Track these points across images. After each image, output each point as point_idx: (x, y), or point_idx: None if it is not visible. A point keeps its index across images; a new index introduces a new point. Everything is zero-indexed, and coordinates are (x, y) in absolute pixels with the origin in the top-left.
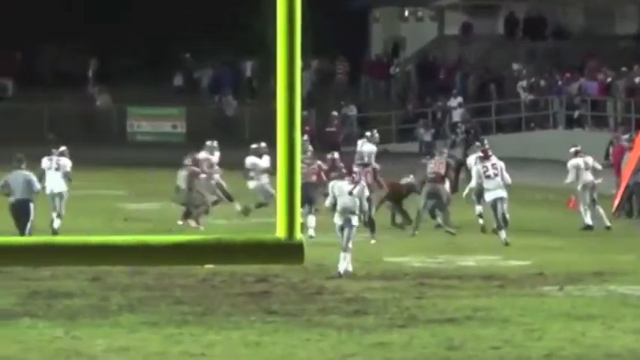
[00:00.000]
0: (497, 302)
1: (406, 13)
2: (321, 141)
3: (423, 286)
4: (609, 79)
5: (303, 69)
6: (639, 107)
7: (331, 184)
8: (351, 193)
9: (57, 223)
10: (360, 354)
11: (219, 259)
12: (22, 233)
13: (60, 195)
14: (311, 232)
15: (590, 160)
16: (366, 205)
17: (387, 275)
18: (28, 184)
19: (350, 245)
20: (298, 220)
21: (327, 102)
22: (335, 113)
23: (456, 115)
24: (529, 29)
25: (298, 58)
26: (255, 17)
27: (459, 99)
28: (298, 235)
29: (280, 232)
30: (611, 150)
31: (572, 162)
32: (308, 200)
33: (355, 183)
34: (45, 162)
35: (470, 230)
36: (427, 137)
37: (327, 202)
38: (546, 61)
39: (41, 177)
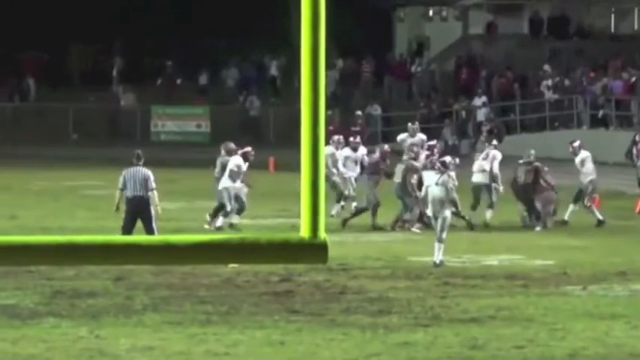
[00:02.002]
0: (521, 301)
1: (430, 13)
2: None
3: (447, 285)
4: (634, 79)
5: (328, 68)
6: None
7: (422, 174)
8: (437, 183)
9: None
10: (384, 353)
11: (243, 258)
12: (148, 231)
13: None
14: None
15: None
16: (454, 195)
17: (411, 275)
18: (146, 181)
19: (444, 236)
20: (322, 219)
21: (352, 101)
22: (359, 113)
23: (481, 115)
24: (553, 28)
25: (322, 57)
26: (281, 16)
27: (484, 98)
28: (322, 234)
29: (304, 232)
30: (634, 149)
31: (586, 154)
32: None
33: (441, 172)
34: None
35: (493, 229)
36: (452, 140)
37: (422, 193)
38: (570, 60)
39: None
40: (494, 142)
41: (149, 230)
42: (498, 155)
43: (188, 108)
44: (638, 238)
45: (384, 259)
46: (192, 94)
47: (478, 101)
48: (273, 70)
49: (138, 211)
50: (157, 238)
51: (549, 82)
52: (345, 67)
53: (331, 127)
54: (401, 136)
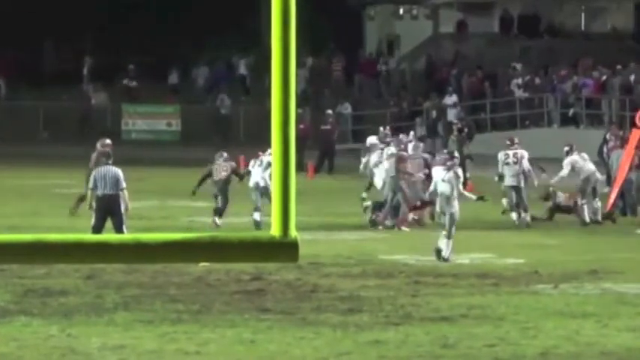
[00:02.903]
0: (492, 300)
1: (401, 11)
2: (316, 139)
3: (418, 284)
4: (604, 77)
5: (298, 66)
6: (634, 105)
7: (433, 170)
8: (443, 180)
9: (258, 216)
10: (355, 352)
11: (214, 256)
12: (118, 230)
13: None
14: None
15: (585, 155)
16: (461, 190)
17: (382, 273)
18: (116, 180)
19: (453, 231)
20: (293, 217)
21: (322, 100)
22: (330, 111)
23: (451, 114)
24: (524, 27)
25: (293, 55)
26: (250, 14)
27: (454, 97)
28: (293, 232)
29: (275, 230)
30: (605, 148)
31: (570, 159)
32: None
33: (449, 169)
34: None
35: (464, 228)
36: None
37: (430, 188)
38: (541, 58)
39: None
40: (513, 142)
41: (119, 229)
42: (526, 153)
43: (158, 107)
44: (610, 236)
45: (355, 258)
46: (163, 93)
47: (449, 100)
48: (242, 69)
49: (108, 210)
50: (127, 236)
51: (520, 80)
52: (315, 66)
53: (302, 126)
54: (371, 140)
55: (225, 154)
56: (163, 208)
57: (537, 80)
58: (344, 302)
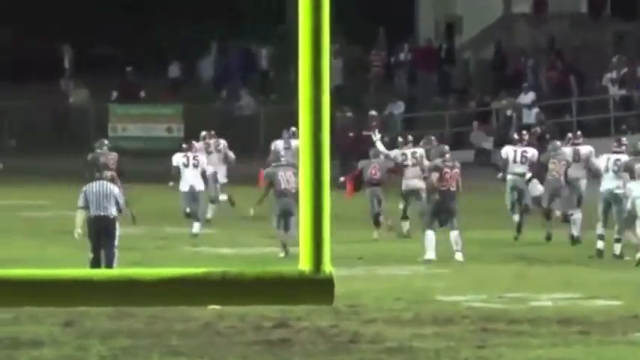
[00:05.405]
0: (580, 353)
1: None
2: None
3: (486, 332)
4: None
5: (332, 57)
6: None
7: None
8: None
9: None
10: None
11: (226, 298)
12: (107, 256)
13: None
14: (458, 256)
15: None
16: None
17: (440, 318)
18: (112, 197)
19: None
20: (327, 248)
21: (365, 98)
22: (374, 113)
23: (528, 116)
24: (619, 7)
25: (326, 44)
26: None
27: (531, 95)
28: (327, 267)
29: (304, 264)
30: None
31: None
32: (449, 212)
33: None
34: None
35: (540, 261)
36: (488, 144)
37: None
38: None
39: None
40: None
41: (108, 255)
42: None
43: (156, 107)
44: None
45: (406, 299)
46: (161, 90)
47: (524, 98)
48: (263, 61)
49: (101, 232)
50: (116, 272)
51: (614, 74)
52: (354, 56)
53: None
54: (277, 144)
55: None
56: (160, 236)
57: (637, 73)
58: (392, 355)
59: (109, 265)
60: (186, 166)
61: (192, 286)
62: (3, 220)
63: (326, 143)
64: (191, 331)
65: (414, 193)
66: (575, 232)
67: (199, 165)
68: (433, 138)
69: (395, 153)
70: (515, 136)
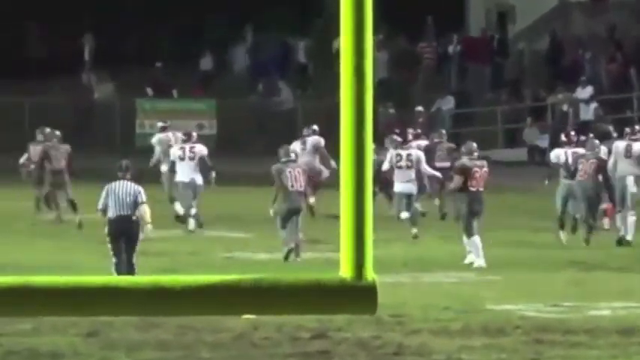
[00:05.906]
0: None
1: None
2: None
3: (540, 343)
4: None
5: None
6: None
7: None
8: None
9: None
10: None
11: (261, 307)
12: (127, 262)
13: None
14: (478, 261)
15: None
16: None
17: (491, 329)
18: (135, 197)
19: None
20: (370, 254)
21: (412, 93)
22: (420, 108)
23: (586, 112)
24: None
25: (369, 35)
26: None
27: (589, 89)
28: (370, 274)
29: (345, 271)
30: None
31: None
32: (476, 213)
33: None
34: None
35: (596, 268)
36: (542, 142)
37: None
38: None
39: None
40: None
41: (129, 261)
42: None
43: (186, 102)
44: None
45: (454, 308)
46: (192, 84)
47: (582, 93)
48: (300, 54)
49: (123, 234)
50: (143, 279)
51: None
52: (399, 48)
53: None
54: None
55: None
56: (191, 240)
57: None
58: None
59: (130, 273)
60: (182, 159)
61: (225, 294)
62: (24, 223)
63: (369, 143)
64: (223, 342)
65: (405, 197)
66: (628, 235)
67: (195, 157)
68: (444, 132)
69: (389, 154)
70: (564, 137)
